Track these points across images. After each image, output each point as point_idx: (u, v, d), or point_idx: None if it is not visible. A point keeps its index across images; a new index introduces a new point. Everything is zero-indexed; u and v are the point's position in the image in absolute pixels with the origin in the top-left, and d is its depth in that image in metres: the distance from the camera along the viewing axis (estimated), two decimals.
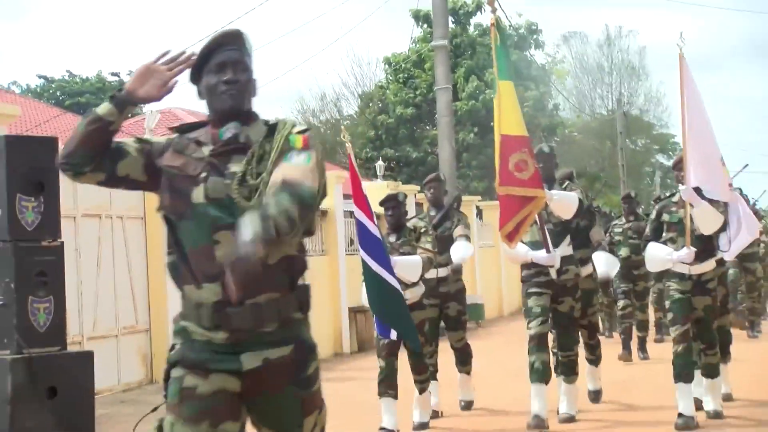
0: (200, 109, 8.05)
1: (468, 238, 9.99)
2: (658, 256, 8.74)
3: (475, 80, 37.75)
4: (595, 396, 10.18)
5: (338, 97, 51.50)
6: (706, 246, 8.60)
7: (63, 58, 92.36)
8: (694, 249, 8.39)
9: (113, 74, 43.75)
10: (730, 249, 8.70)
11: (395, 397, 8.82)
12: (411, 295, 8.89)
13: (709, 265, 8.66)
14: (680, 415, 8.34)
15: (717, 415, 8.70)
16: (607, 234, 15.24)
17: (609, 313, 16.89)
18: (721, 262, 9.22)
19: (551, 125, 40.82)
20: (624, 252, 14.84)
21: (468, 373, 10.15)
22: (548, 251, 8.64)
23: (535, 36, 41.32)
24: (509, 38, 38.45)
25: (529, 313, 8.92)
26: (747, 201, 16.08)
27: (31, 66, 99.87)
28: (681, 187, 8.53)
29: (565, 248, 8.91)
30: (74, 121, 23.64)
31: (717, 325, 9.18)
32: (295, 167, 3.57)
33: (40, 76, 44.35)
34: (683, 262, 8.50)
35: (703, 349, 8.79)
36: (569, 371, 9.16)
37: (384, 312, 8.53)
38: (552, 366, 9.34)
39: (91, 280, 11.48)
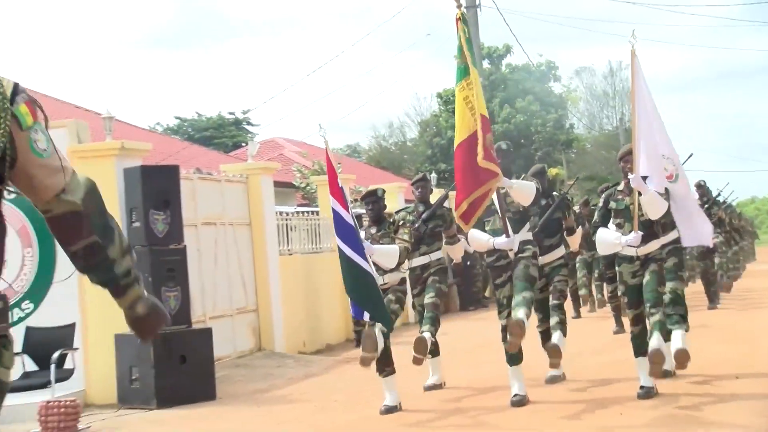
0: (301, 137, 7.84)
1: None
2: (607, 240, 7.75)
3: (508, 108, 37.55)
4: (552, 379, 8.58)
5: (402, 124, 51.76)
6: (650, 229, 7.56)
7: (193, 102, 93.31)
8: (641, 233, 7.42)
9: (230, 113, 44.00)
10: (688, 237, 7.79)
11: (392, 372, 7.85)
12: (389, 280, 8.06)
13: (653, 245, 7.59)
14: (642, 386, 7.37)
15: (665, 374, 7.55)
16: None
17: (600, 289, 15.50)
18: (673, 241, 8.01)
19: (568, 140, 40.42)
20: None
21: (434, 354, 8.71)
22: (507, 236, 7.50)
23: (553, 71, 40.98)
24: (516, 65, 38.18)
25: (498, 303, 7.81)
26: (710, 193, 15.16)
27: (170, 109, 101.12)
28: (630, 175, 7.40)
29: (525, 234, 7.76)
30: (199, 152, 23.95)
31: (670, 288, 7.82)
32: (60, 169, 2.38)
33: (176, 117, 44.77)
34: (631, 245, 7.50)
35: (647, 309, 7.48)
36: (523, 305, 7.46)
37: (357, 296, 7.53)
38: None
39: (210, 273, 11.57)
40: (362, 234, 7.90)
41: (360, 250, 7.42)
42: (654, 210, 7.37)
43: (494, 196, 7.47)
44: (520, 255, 7.61)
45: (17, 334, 9.07)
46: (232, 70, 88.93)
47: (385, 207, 8.46)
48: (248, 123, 43.61)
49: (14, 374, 8.73)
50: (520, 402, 7.50)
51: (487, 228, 7.73)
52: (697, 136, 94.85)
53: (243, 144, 35.79)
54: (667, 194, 7.55)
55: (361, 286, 7.43)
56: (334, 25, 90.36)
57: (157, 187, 9.49)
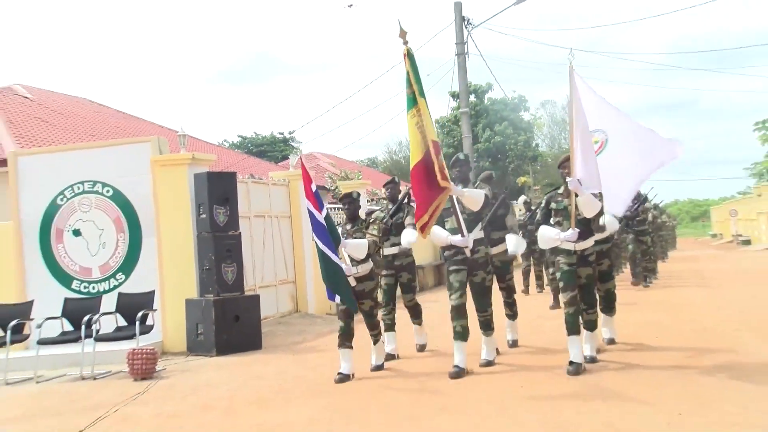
0: (333, 151, 7.46)
1: (414, 225, 7.26)
2: (548, 236, 6.76)
3: (488, 131, 37.30)
4: (513, 343, 8.06)
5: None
6: (586, 227, 6.71)
7: (252, 123, 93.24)
8: (578, 230, 6.58)
9: (280, 133, 43.91)
10: (616, 208, 6.75)
11: (351, 347, 7.08)
12: (361, 269, 7.18)
13: (589, 242, 6.75)
14: (571, 362, 6.49)
15: (592, 359, 6.83)
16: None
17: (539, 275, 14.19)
18: (604, 240, 7.44)
19: (534, 156, 40.04)
20: None
21: (420, 324, 8.24)
22: (462, 235, 6.75)
23: (524, 103, 40.51)
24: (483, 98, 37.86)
25: (450, 287, 6.87)
26: (639, 196, 14.16)
27: (235, 129, 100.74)
28: (568, 179, 6.50)
29: (477, 233, 6.88)
30: (254, 162, 23.85)
31: (605, 288, 7.61)
32: None
33: (239, 135, 44.73)
34: (569, 241, 6.62)
35: (585, 309, 6.83)
36: (486, 327, 7.06)
37: (330, 283, 6.86)
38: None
39: (260, 253, 11.50)
40: (339, 230, 7.21)
41: (330, 245, 6.76)
42: (589, 209, 6.54)
43: (454, 200, 6.78)
44: (475, 255, 6.84)
45: (112, 299, 9.09)
46: (282, 99, 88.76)
47: (359, 207, 7.60)
48: (293, 140, 43.54)
49: (108, 328, 8.75)
50: (458, 374, 6.64)
51: (446, 227, 6.94)
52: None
53: (289, 156, 35.65)
54: (601, 196, 6.69)
55: (332, 275, 6.80)
56: (361, 66, 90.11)
57: (219, 188, 9.42)
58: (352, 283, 7.11)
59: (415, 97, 6.45)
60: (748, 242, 34.29)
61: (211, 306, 9.14)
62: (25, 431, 6.09)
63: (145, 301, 8.75)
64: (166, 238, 9.76)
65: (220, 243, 9.35)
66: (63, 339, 8.49)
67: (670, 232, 30.11)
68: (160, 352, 9.18)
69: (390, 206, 8.20)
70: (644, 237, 14.50)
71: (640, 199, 14.38)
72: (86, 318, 8.37)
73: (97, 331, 8.35)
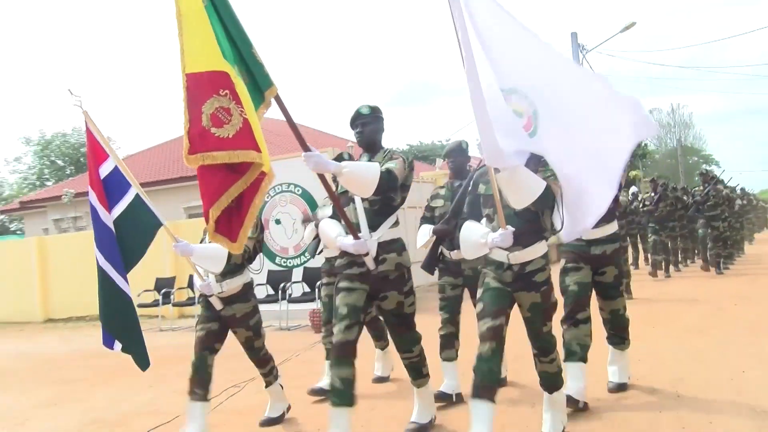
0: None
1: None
2: (471, 238, 3.21)
3: None
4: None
5: None
6: (529, 226, 3.18)
7: (417, 136, 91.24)
8: (511, 229, 3.08)
9: (438, 140, 43.53)
10: (564, 230, 2.82)
11: (204, 398, 3.71)
12: (228, 287, 3.89)
13: (535, 250, 3.19)
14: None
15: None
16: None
17: None
18: (614, 238, 4.06)
19: (643, 153, 37.27)
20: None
21: (383, 348, 5.20)
22: (355, 237, 3.35)
23: None
24: None
25: (335, 313, 3.32)
26: (712, 180, 11.64)
27: (403, 140, 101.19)
28: (477, 140, 2.82)
29: (386, 231, 3.40)
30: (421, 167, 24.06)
31: (610, 309, 4.14)
32: None
33: (407, 144, 44.69)
34: (499, 248, 3.16)
35: (535, 355, 3.32)
36: (416, 374, 3.66)
37: (106, 318, 3.63)
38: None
39: (413, 234, 11.54)
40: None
41: (116, 261, 3.58)
42: (514, 194, 2.99)
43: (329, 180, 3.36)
44: (381, 268, 3.39)
45: (299, 272, 9.47)
46: (442, 115, 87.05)
47: None
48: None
49: (297, 293, 9.08)
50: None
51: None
52: (733, 156, 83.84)
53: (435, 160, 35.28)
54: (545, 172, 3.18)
55: (110, 308, 3.64)
56: None
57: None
58: (217, 306, 3.93)
59: None
60: None
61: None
62: (233, 367, 5.73)
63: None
64: None
65: None
66: (267, 300, 8.97)
67: (760, 213, 26.51)
68: None
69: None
70: (716, 222, 11.35)
71: (710, 181, 11.60)
72: (282, 285, 8.89)
73: (290, 295, 8.81)
